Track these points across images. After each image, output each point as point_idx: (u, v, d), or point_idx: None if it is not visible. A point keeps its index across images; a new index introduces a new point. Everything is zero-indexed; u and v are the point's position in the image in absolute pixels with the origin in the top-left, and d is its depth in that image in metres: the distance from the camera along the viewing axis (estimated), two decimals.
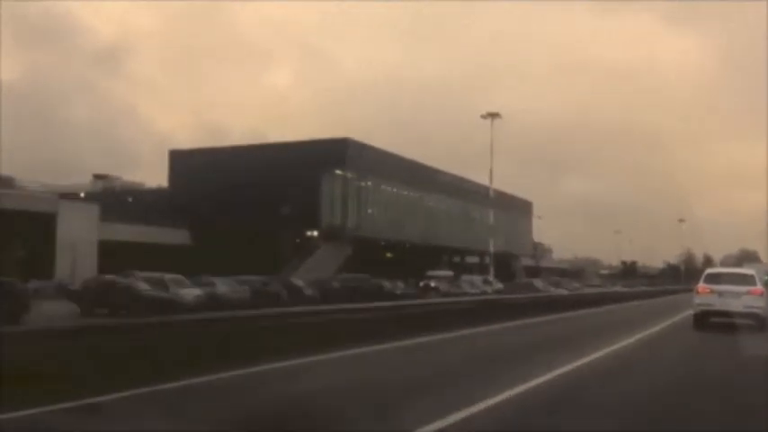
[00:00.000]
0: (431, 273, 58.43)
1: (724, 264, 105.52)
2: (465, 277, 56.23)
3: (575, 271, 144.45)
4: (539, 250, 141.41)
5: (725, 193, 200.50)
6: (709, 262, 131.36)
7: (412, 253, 65.21)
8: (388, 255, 63.93)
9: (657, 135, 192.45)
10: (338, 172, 53.89)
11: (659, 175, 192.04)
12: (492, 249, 63.09)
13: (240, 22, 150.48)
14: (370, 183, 58.90)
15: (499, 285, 54.29)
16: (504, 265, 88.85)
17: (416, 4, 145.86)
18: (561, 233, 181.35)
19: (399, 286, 41.26)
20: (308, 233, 52.55)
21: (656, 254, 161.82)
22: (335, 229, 53.14)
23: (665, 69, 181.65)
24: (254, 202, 51.55)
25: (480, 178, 67.73)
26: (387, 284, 39.21)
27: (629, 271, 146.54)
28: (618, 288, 73.22)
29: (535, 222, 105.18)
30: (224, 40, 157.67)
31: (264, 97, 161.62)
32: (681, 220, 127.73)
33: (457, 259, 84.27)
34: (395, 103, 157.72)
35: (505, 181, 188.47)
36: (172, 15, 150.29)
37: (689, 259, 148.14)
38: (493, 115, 60.47)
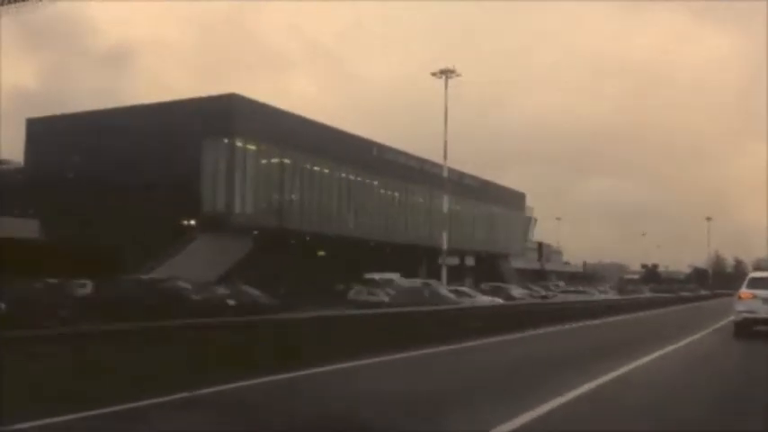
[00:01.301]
0: (370, 276, 44.77)
1: (758, 268, 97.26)
2: (402, 282, 42.37)
3: (588, 275, 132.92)
4: (545, 252, 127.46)
5: (754, 195, 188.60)
6: (740, 266, 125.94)
7: (359, 251, 51.44)
8: (320, 253, 50.31)
9: (685, 136, 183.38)
10: (225, 140, 39.93)
11: (687, 178, 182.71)
12: (446, 246, 48.99)
13: None
14: (286, 159, 45.06)
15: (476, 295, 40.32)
16: (490, 267, 74.60)
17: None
18: (586, 236, 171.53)
19: (254, 294, 27.06)
20: (186, 221, 38.76)
21: (684, 257, 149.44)
22: (220, 215, 39.24)
23: (695, 69, 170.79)
24: (124, 182, 38.16)
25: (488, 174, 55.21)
26: (185, 286, 24.98)
27: (651, 275, 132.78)
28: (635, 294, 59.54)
29: (550, 223, 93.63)
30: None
31: None
32: (708, 218, 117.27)
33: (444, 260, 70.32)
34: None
35: (530, 181, 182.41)
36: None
37: (718, 263, 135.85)
38: (446, 72, 46.80)
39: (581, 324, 24.17)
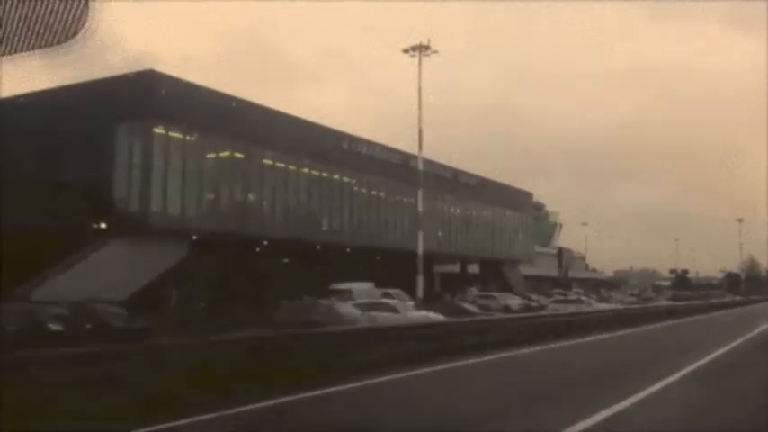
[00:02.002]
0: (336, 286, 38.14)
1: None
2: (361, 294, 35.67)
3: (613, 282, 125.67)
4: (565, 258, 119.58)
5: None
6: None
7: (336, 258, 44.90)
8: (285, 261, 43.81)
9: (714, 137, 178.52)
10: (141, 125, 33.18)
11: (717, 183, 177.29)
12: (421, 250, 42.29)
13: None
14: (237, 153, 38.53)
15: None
16: (496, 274, 67.58)
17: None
18: (618, 243, 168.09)
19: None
20: (96, 224, 32.17)
21: (717, 262, 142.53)
22: (136, 217, 32.47)
23: (724, 73, 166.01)
24: (25, 179, 31.94)
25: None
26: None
27: (681, 281, 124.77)
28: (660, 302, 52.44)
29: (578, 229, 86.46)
30: None
31: None
32: (739, 220, 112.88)
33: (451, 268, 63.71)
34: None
35: (558, 188, 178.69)
36: None
37: (752, 267, 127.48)
38: (420, 48, 40.33)
39: (537, 349, 17.45)
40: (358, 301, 28.84)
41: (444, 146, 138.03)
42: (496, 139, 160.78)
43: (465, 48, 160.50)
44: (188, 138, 35.66)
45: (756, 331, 25.06)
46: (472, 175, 61.03)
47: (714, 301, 60.28)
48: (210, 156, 38.29)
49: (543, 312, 32.66)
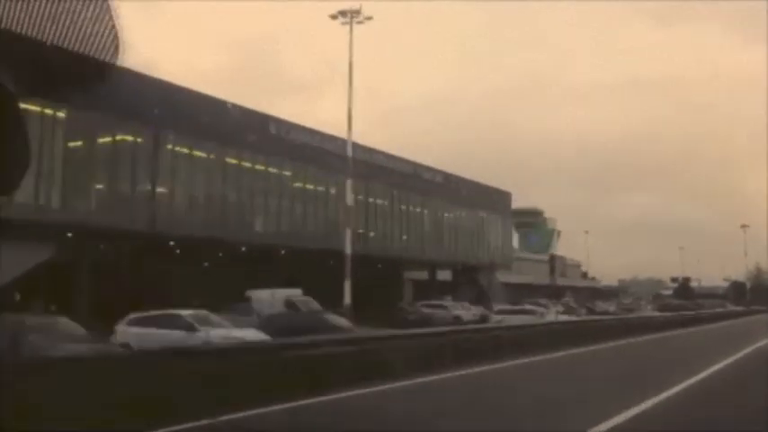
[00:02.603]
0: (251, 293, 32.05)
1: None
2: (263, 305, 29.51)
3: (611, 291, 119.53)
4: (558, 265, 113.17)
5: None
6: None
7: (271, 260, 38.85)
8: (206, 264, 37.83)
9: (715, 145, 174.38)
10: None
11: (723, 191, 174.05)
12: (349, 249, 36.13)
13: None
14: (127, 136, 32.58)
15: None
16: (469, 282, 61.37)
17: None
18: (622, 252, 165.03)
19: None
20: None
21: (724, 270, 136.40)
22: None
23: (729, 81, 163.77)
24: None
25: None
26: None
27: (683, 290, 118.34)
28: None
29: (580, 237, 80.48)
30: None
31: None
32: (743, 226, 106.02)
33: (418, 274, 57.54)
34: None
35: (561, 197, 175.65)
36: None
37: (758, 275, 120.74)
38: (350, 14, 34.42)
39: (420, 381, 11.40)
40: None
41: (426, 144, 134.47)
42: (492, 145, 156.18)
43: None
44: (68, 115, 29.70)
45: (739, 355, 18.98)
46: (437, 171, 54.89)
47: (705, 311, 54.06)
48: (104, 140, 32.41)
49: (460, 327, 26.60)
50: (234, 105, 37.18)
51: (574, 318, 33.33)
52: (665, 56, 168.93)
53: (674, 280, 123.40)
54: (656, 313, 44.79)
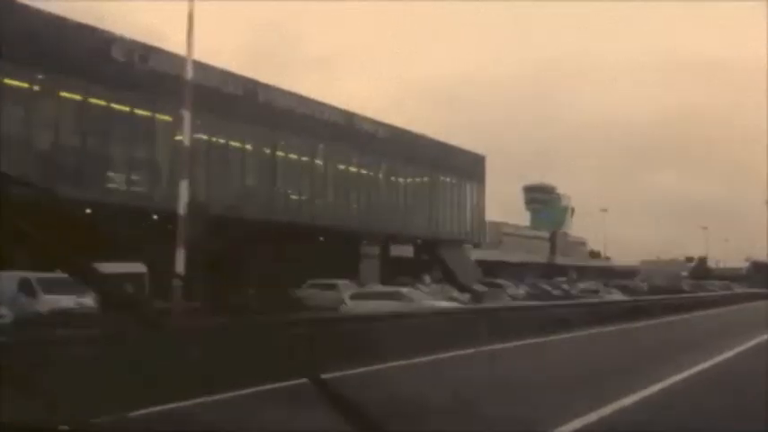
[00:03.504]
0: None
1: None
2: None
3: (626, 272, 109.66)
4: (559, 243, 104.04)
5: None
6: None
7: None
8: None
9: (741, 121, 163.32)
10: None
11: (749, 171, 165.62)
12: (183, 209, 27.45)
13: None
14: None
15: None
16: (432, 259, 52.88)
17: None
18: (645, 232, 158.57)
19: None
20: None
21: (752, 251, 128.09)
22: None
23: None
24: None
25: None
26: None
27: (700, 270, 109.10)
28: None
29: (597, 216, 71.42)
30: None
31: None
32: None
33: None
34: None
35: (585, 175, 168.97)
36: None
37: None
38: None
39: None
40: None
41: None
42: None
43: None
44: None
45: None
46: (379, 124, 46.22)
47: (701, 294, 45.31)
48: None
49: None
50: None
51: (455, 306, 24.03)
52: (697, 34, 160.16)
53: (689, 260, 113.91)
54: (624, 297, 35.96)
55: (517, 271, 79.09)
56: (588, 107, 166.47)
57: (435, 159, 50.41)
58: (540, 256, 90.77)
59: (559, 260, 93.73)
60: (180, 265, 23.72)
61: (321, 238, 41.06)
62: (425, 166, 50.47)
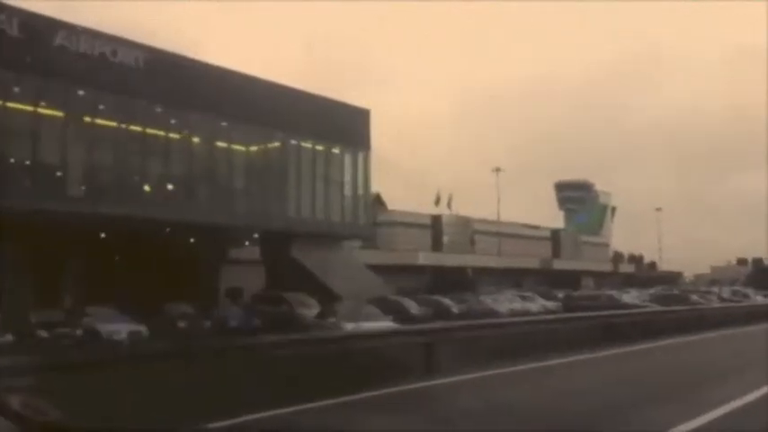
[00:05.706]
0: None
1: None
2: None
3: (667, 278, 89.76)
4: (567, 243, 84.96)
5: None
6: None
7: None
8: None
9: None
10: None
11: None
12: None
13: None
14: None
15: None
16: (280, 261, 35.68)
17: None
18: (719, 237, 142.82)
19: None
20: None
21: None
22: None
23: None
24: None
25: None
26: None
27: (760, 275, 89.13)
28: None
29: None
30: None
31: None
32: None
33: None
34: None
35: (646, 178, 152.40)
36: None
37: None
38: None
39: None
40: None
41: None
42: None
43: None
44: None
45: None
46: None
47: (702, 305, 28.06)
48: None
49: None
50: None
51: None
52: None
53: (740, 262, 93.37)
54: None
55: (495, 279, 61.80)
56: (649, 104, 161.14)
57: (278, 114, 33.43)
58: (537, 259, 72.45)
59: (563, 265, 74.99)
60: None
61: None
62: (270, 124, 33.76)
